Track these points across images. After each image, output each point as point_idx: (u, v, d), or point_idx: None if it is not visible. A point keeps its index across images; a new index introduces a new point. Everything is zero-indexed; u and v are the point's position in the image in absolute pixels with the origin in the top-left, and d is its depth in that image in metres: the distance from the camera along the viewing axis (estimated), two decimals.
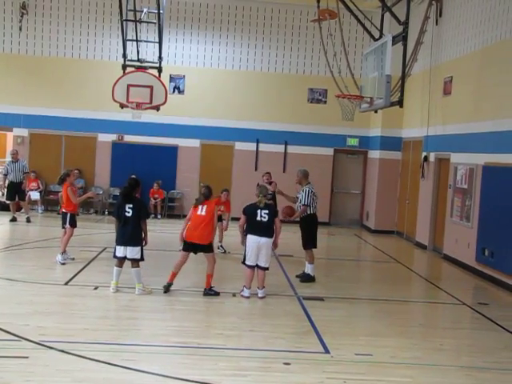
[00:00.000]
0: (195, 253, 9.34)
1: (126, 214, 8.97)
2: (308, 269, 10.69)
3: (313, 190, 10.62)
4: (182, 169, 18.84)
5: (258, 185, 9.73)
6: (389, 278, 11.90)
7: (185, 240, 9.24)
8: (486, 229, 12.09)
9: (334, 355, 6.86)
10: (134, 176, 9.82)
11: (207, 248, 9.23)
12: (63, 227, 11.14)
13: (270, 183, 12.95)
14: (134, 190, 9.20)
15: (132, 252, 8.96)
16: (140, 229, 9.07)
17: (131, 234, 8.97)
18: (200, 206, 9.19)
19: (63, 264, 10.79)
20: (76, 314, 7.95)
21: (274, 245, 9.35)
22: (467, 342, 8.03)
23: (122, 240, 9.01)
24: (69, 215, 11.07)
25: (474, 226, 12.63)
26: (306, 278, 10.59)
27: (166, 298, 8.96)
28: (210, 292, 9.19)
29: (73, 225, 11.13)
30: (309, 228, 10.66)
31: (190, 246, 9.21)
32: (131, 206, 8.99)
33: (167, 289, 9.19)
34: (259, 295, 9.24)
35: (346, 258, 13.93)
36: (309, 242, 10.69)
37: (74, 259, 11.10)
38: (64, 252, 10.99)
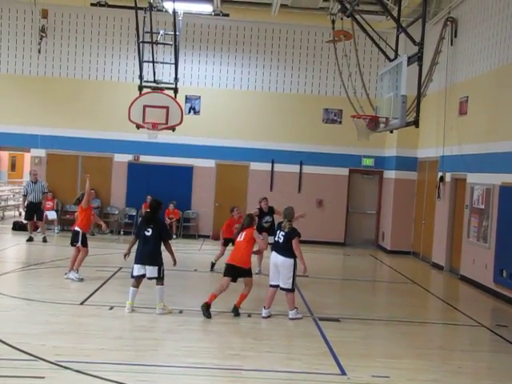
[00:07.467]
0: (234, 280, 9.37)
1: (146, 233, 9.06)
2: None
3: None
4: (197, 189, 18.90)
5: (285, 209, 9.68)
6: (405, 299, 11.78)
7: (226, 262, 9.52)
8: (503, 249, 11.96)
9: (351, 377, 6.78)
10: (155, 198, 9.89)
11: (247, 272, 9.36)
12: (73, 245, 11.31)
13: (269, 208, 12.91)
14: (157, 213, 9.35)
15: (151, 271, 9.00)
16: (159, 249, 9.12)
17: (150, 253, 9.02)
18: (240, 233, 9.49)
19: (81, 280, 10.98)
20: (92, 334, 7.96)
21: (302, 268, 9.18)
22: (486, 364, 7.93)
23: (141, 259, 9.06)
24: (81, 234, 11.21)
25: (491, 246, 12.50)
26: None
27: (181, 319, 8.93)
28: (237, 311, 9.22)
29: (84, 244, 11.28)
30: None
31: (230, 270, 9.29)
32: (152, 225, 9.09)
33: (207, 311, 9.12)
34: (289, 316, 9.25)
35: (361, 279, 13.82)
36: None
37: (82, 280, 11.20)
38: (76, 270, 11.15)
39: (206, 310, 9.05)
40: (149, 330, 8.40)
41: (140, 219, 10.76)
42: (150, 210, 9.40)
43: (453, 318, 10.44)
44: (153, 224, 9.12)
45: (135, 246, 9.35)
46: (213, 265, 12.97)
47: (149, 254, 9.01)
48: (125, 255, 9.42)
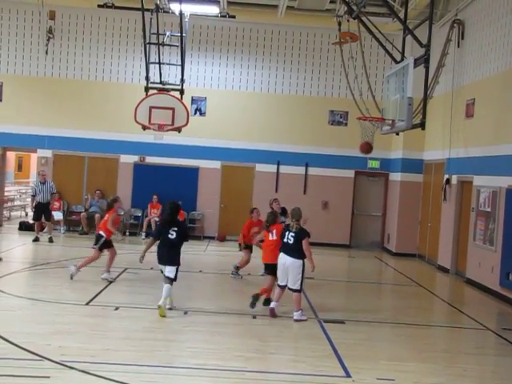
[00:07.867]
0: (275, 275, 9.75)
1: (170, 236, 9.23)
2: None
3: None
4: (202, 190, 18.92)
5: (293, 209, 9.74)
6: (410, 302, 11.77)
7: (264, 263, 9.95)
8: (510, 252, 11.92)
9: (356, 379, 6.77)
10: (174, 201, 9.87)
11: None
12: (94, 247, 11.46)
13: (282, 209, 12.87)
14: (177, 215, 9.49)
15: (169, 270, 9.15)
16: (180, 250, 9.34)
17: (171, 255, 9.22)
18: (270, 232, 9.74)
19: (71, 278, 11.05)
20: (97, 334, 7.98)
21: (310, 267, 9.26)
22: (491, 368, 7.91)
23: (162, 260, 9.27)
24: (104, 239, 11.33)
25: (497, 249, 12.47)
26: None
27: (186, 320, 8.94)
28: (256, 298, 9.52)
29: (101, 249, 11.41)
30: None
31: (268, 267, 9.76)
32: (175, 229, 9.26)
33: (266, 302, 9.74)
34: (293, 317, 9.26)
35: (366, 281, 13.79)
36: None
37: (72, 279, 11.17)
38: (79, 269, 11.21)
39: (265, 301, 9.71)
40: (154, 330, 8.41)
41: (159, 221, 10.89)
42: (170, 213, 9.44)
43: (458, 321, 10.41)
44: (175, 226, 9.27)
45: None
46: (237, 268, 12.55)
47: (170, 257, 9.20)
48: (141, 258, 9.52)
